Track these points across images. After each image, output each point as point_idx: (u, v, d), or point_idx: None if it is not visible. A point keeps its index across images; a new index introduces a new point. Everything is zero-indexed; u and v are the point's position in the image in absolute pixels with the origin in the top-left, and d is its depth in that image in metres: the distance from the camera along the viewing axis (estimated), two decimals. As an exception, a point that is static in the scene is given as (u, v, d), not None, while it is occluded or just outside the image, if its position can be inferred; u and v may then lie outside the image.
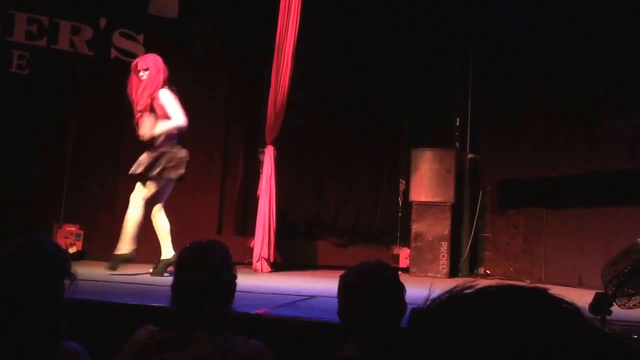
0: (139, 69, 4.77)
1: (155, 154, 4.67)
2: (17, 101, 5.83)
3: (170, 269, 4.53)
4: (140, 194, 4.70)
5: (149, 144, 4.70)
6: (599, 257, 4.80)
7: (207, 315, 1.72)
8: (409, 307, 1.76)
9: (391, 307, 1.75)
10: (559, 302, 0.66)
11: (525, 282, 5.68)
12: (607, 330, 2.90)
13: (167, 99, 4.70)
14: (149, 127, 4.66)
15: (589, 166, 5.59)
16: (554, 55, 5.96)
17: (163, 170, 4.65)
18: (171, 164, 4.67)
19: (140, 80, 4.74)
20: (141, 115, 4.70)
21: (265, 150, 5.91)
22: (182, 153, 4.73)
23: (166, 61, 6.20)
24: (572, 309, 0.66)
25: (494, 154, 6.70)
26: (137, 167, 4.68)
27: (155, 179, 4.67)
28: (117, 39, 6.21)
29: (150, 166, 4.65)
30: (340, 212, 7.01)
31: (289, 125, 5.91)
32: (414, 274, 6.24)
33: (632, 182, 5.30)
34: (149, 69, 4.74)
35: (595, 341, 0.64)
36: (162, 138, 4.69)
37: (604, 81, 5.53)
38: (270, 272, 5.67)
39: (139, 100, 4.70)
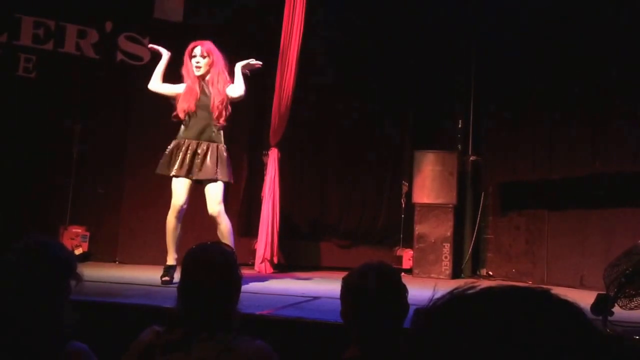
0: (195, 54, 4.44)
1: None
2: (24, 104, 5.87)
3: None
4: None
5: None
6: (601, 258, 4.81)
7: (212, 316, 1.74)
8: (412, 308, 1.78)
9: (394, 308, 1.76)
10: (562, 302, 0.66)
11: (527, 283, 5.69)
12: (608, 331, 2.91)
13: None
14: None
15: (591, 168, 5.59)
16: (556, 57, 5.96)
17: None
18: None
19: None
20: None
21: (270, 152, 5.94)
22: None
23: (171, 65, 6.26)
24: (574, 310, 0.66)
25: (496, 156, 6.70)
26: None
27: None
28: (123, 43, 6.25)
29: None
30: (343, 214, 7.03)
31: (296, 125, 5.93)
32: (417, 275, 6.26)
33: (633, 184, 5.30)
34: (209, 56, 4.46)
35: (597, 342, 0.64)
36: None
37: (607, 82, 5.53)
38: (273, 273, 5.70)
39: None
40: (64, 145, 5.89)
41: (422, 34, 6.76)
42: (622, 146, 5.40)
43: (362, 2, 6.76)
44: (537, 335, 0.62)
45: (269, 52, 5.67)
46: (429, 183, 6.45)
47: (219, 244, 1.94)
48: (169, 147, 4.40)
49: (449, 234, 6.36)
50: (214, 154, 4.33)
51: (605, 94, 5.56)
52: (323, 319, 2.97)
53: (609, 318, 3.07)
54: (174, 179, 4.32)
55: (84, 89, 6.02)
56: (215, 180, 4.31)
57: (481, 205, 6.66)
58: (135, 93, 6.21)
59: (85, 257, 5.61)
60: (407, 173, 6.77)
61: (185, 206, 4.30)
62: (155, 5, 6.23)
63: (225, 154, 4.38)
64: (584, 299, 2.58)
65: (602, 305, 3.06)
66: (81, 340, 1.63)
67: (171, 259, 4.30)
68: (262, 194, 5.91)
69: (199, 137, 4.37)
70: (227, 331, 1.73)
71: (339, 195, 7.02)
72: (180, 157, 4.30)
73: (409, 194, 6.64)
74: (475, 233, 6.62)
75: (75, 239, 5.70)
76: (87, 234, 5.82)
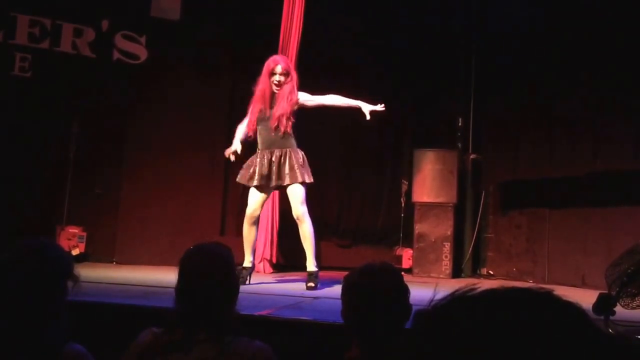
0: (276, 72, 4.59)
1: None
2: (20, 104, 5.84)
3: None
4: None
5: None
6: (602, 257, 4.80)
7: (211, 317, 1.73)
8: (413, 308, 1.76)
9: (395, 308, 1.74)
10: (564, 303, 0.66)
11: (528, 282, 5.67)
12: (610, 330, 2.89)
13: None
14: None
15: (592, 167, 5.58)
16: (556, 55, 5.96)
17: None
18: None
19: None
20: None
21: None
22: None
23: (168, 63, 6.25)
24: (576, 310, 0.66)
25: (497, 155, 6.69)
26: None
27: None
28: (120, 41, 6.22)
29: None
30: (343, 213, 7.01)
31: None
32: (417, 274, 6.24)
33: (635, 182, 5.29)
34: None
35: (600, 343, 0.64)
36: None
37: (607, 81, 5.52)
38: (273, 272, 5.68)
39: None
40: (60, 144, 5.87)
41: (422, 31, 6.74)
42: (623, 144, 5.39)
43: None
44: (539, 337, 0.62)
45: (268, 49, 5.64)
46: (429, 182, 6.43)
47: (216, 244, 1.92)
48: (248, 159, 4.68)
49: (449, 233, 6.34)
50: (289, 158, 4.57)
51: (606, 92, 5.55)
52: (323, 319, 2.96)
53: (611, 317, 3.05)
54: (251, 189, 4.60)
55: (80, 88, 5.99)
56: (294, 183, 4.55)
57: (482, 204, 6.65)
58: (132, 92, 6.19)
59: (82, 258, 5.60)
60: (407, 172, 6.74)
61: (257, 214, 4.64)
62: (152, 3, 6.21)
63: (299, 155, 4.64)
64: (586, 298, 2.56)
65: (604, 304, 3.04)
66: (79, 341, 1.62)
67: (246, 262, 4.58)
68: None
69: (270, 146, 4.60)
70: (226, 332, 1.72)
71: (338, 195, 7.00)
72: (258, 168, 4.54)
73: (409, 193, 6.61)
74: (475, 232, 6.60)
75: (72, 240, 5.67)
76: (84, 234, 5.80)
